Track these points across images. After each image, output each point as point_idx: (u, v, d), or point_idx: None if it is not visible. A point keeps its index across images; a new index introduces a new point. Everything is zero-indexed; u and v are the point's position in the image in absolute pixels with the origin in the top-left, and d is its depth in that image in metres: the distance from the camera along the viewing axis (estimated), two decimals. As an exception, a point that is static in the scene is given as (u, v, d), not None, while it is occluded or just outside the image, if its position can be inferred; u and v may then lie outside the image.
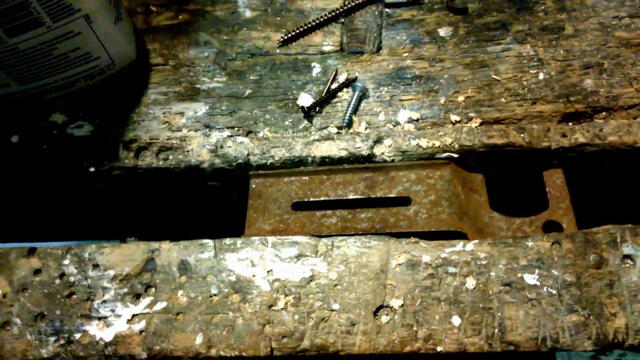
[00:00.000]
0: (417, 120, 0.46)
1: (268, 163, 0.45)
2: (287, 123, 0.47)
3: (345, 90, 0.48)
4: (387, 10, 0.53)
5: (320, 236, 0.41)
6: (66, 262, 0.41)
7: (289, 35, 0.52)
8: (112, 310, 0.39)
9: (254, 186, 0.45)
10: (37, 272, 0.41)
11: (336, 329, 0.37)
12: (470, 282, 0.37)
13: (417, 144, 0.44)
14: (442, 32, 0.50)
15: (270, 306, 0.38)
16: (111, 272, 0.40)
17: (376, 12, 0.52)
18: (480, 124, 0.45)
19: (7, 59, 0.44)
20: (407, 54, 0.49)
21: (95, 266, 0.41)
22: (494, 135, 0.44)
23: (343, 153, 0.45)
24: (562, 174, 0.43)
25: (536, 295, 0.36)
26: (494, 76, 0.47)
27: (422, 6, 0.52)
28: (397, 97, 0.47)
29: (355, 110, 0.47)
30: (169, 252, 0.41)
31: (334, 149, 0.45)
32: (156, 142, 0.47)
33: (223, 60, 0.52)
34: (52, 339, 0.38)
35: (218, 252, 0.40)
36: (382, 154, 0.44)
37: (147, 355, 0.37)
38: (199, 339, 0.37)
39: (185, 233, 0.46)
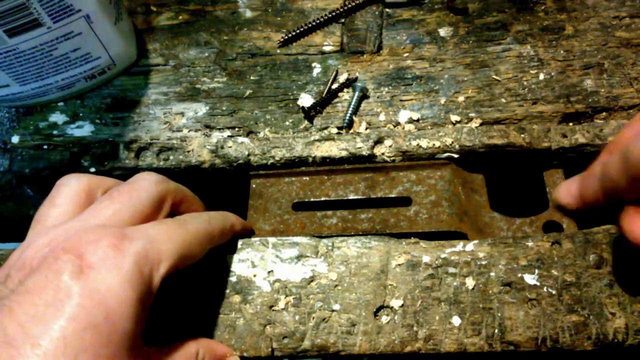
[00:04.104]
0: (418, 120, 0.46)
1: (268, 163, 0.45)
2: (287, 123, 0.47)
3: (345, 90, 0.48)
4: (387, 10, 0.53)
5: (321, 237, 0.41)
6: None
7: (290, 35, 0.52)
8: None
9: (254, 186, 0.45)
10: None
11: (337, 329, 0.37)
12: (470, 283, 0.37)
13: (418, 144, 0.44)
14: (443, 32, 0.50)
15: (271, 307, 0.38)
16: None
17: (376, 12, 0.52)
18: (481, 125, 0.45)
19: (8, 59, 0.44)
20: (407, 54, 0.50)
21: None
22: (494, 136, 0.44)
23: (344, 153, 0.45)
24: (562, 174, 0.44)
25: (536, 296, 0.36)
26: (494, 76, 0.47)
27: (422, 6, 0.52)
28: (398, 97, 0.47)
29: (356, 110, 0.47)
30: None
31: (335, 149, 0.45)
32: (157, 143, 0.47)
33: (223, 60, 0.52)
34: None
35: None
36: (383, 154, 0.44)
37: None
38: (200, 340, 0.37)
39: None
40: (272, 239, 0.40)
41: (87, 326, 0.25)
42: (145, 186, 0.34)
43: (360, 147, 0.44)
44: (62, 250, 0.28)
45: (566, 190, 0.40)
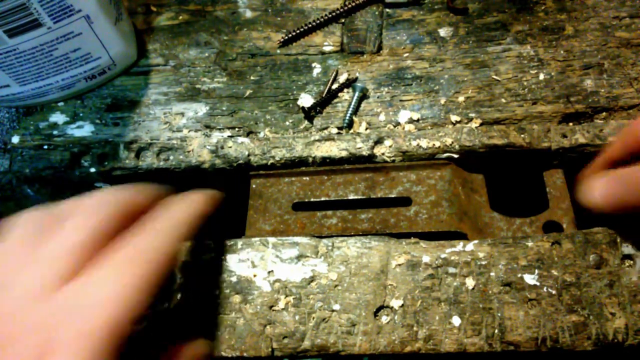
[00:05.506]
0: (418, 120, 0.46)
1: (269, 163, 0.45)
2: (287, 123, 0.47)
3: (345, 90, 0.48)
4: (387, 10, 0.53)
5: (321, 237, 0.41)
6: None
7: (290, 35, 0.52)
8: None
9: (254, 186, 0.45)
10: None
11: (337, 329, 0.37)
12: (470, 283, 0.37)
13: (418, 145, 0.44)
14: (443, 32, 0.50)
15: (271, 307, 0.38)
16: (112, 273, 0.40)
17: (376, 12, 0.52)
18: (481, 125, 0.45)
19: (8, 60, 0.44)
20: (407, 54, 0.50)
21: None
22: (494, 136, 0.44)
23: (344, 153, 0.45)
24: (562, 174, 0.44)
25: (536, 296, 0.36)
26: (494, 76, 0.47)
27: (422, 6, 0.52)
28: (398, 97, 0.47)
29: (356, 110, 0.47)
30: (170, 252, 0.41)
31: (335, 149, 0.45)
32: (157, 143, 0.47)
33: (223, 60, 0.52)
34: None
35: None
36: (383, 154, 0.44)
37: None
38: (200, 340, 0.37)
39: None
40: (272, 239, 0.40)
41: None
42: (73, 239, 0.28)
43: (360, 147, 0.45)
44: None
45: (606, 193, 0.35)
